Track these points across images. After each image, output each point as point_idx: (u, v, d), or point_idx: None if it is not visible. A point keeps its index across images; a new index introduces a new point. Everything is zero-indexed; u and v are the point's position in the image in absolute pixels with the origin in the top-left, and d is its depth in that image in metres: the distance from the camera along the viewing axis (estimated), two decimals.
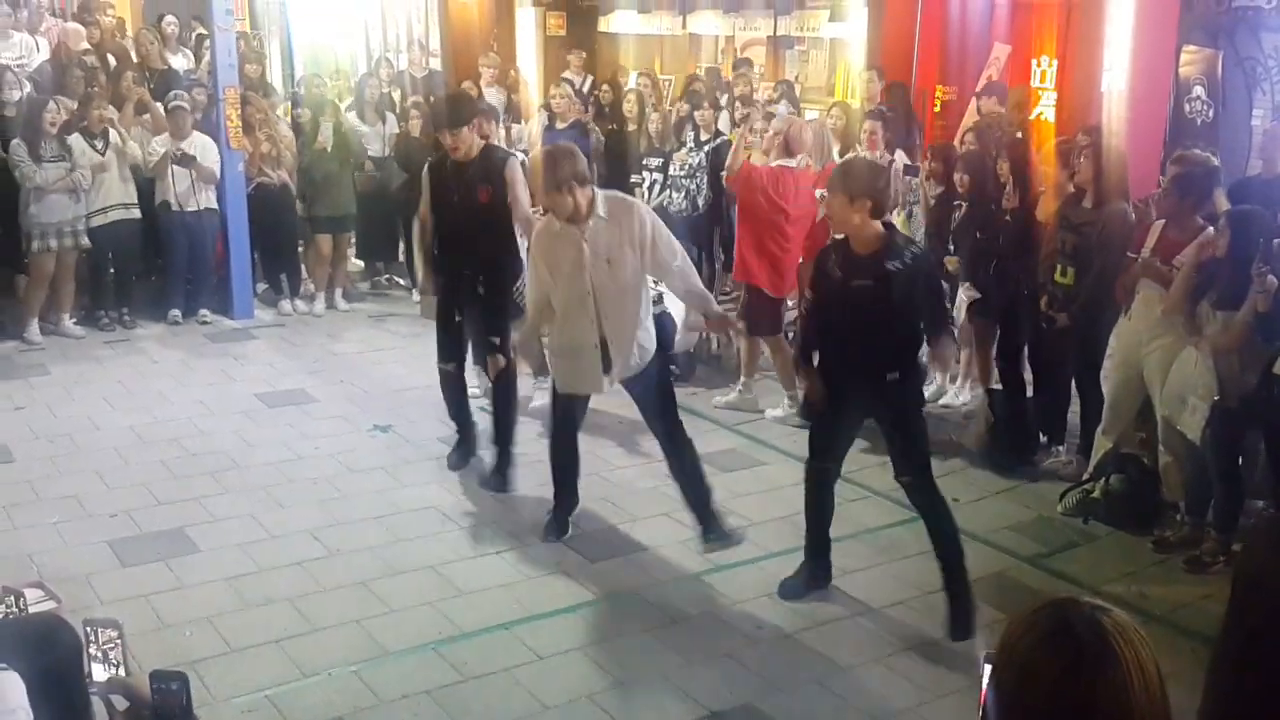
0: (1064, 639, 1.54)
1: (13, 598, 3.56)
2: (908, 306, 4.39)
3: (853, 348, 4.49)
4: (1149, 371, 5.38)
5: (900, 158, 7.77)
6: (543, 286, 5.04)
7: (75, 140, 7.93)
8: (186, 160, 8.17)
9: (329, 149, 8.90)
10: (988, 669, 1.63)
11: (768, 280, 6.79)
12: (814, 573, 4.84)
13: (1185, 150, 5.79)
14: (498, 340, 5.73)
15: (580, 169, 4.80)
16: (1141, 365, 5.42)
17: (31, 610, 3.56)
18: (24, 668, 2.36)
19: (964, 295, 6.63)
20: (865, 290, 4.38)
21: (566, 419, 5.22)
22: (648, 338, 5.03)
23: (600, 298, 4.87)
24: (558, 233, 4.89)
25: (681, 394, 7.22)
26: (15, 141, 7.77)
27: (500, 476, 5.83)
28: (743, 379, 7.10)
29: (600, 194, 4.91)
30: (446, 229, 5.83)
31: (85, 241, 8.04)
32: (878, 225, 4.42)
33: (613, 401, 6.01)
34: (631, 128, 8.99)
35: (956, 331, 6.93)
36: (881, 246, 4.39)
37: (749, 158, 6.92)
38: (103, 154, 8.05)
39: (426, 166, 5.99)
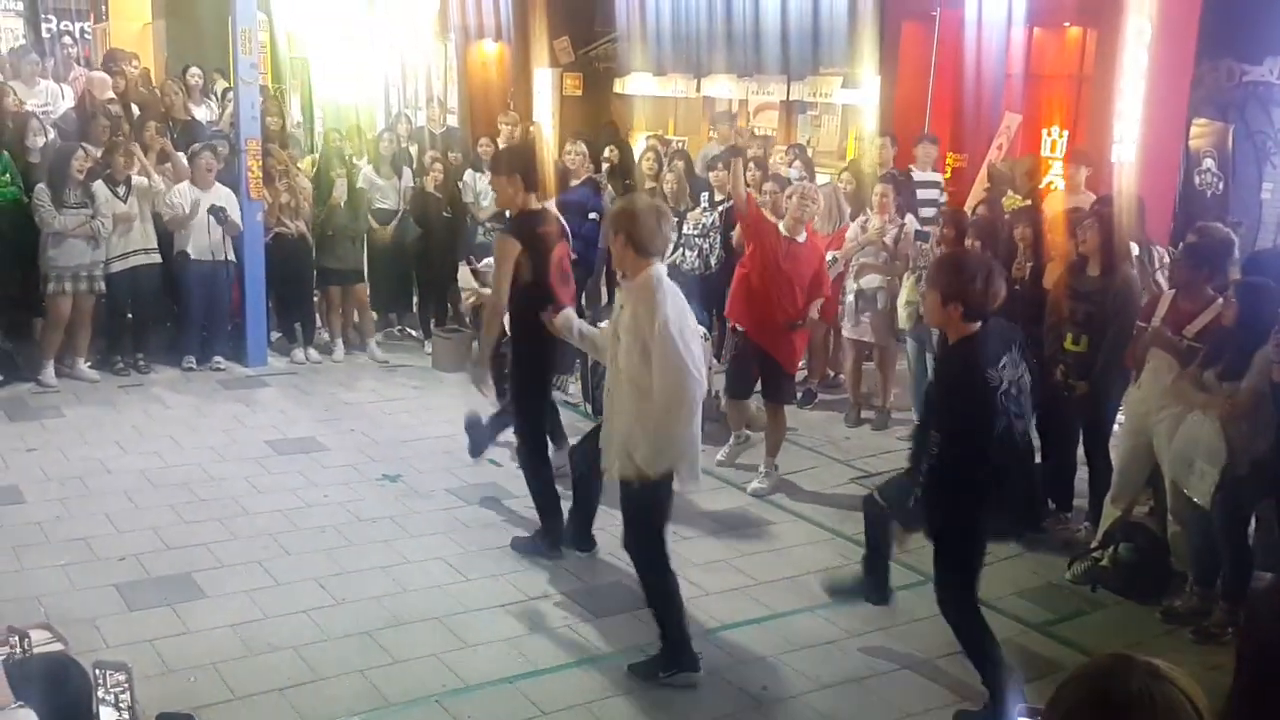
0: (1114, 702, 1.51)
1: (17, 638, 3.57)
2: (946, 414, 4.22)
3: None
4: (1158, 440, 5.38)
5: (911, 222, 7.85)
6: None
7: (99, 188, 8.04)
8: (220, 214, 8.30)
9: (342, 204, 9.02)
10: None
11: (786, 357, 6.85)
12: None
13: (1206, 223, 5.86)
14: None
15: (648, 240, 4.43)
16: (1151, 434, 5.42)
17: (37, 651, 3.57)
18: (37, 705, 2.38)
19: None
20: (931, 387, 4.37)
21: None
22: (639, 450, 4.40)
23: (609, 362, 4.67)
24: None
25: None
26: (40, 186, 7.89)
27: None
28: (732, 438, 7.17)
29: (655, 272, 4.46)
30: None
31: (101, 287, 8.13)
32: (968, 327, 4.14)
33: None
34: (649, 185, 9.08)
35: None
36: (957, 349, 4.23)
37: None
38: (124, 201, 8.17)
39: None
